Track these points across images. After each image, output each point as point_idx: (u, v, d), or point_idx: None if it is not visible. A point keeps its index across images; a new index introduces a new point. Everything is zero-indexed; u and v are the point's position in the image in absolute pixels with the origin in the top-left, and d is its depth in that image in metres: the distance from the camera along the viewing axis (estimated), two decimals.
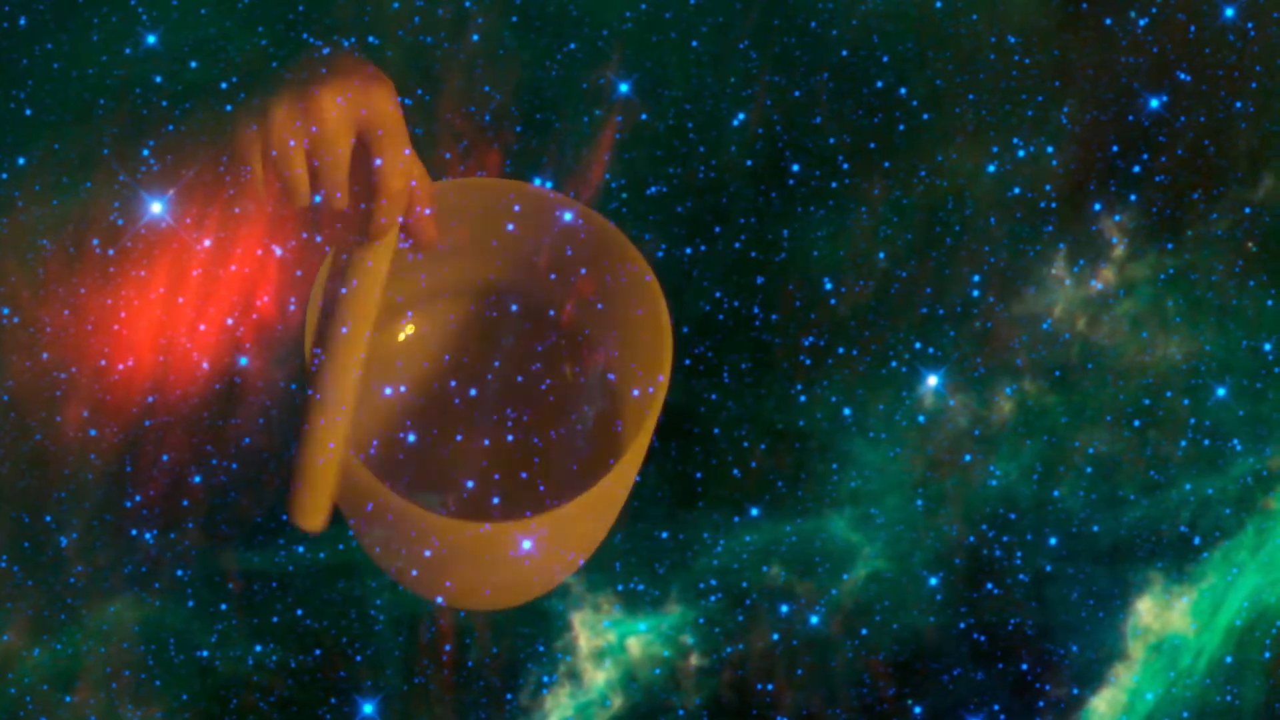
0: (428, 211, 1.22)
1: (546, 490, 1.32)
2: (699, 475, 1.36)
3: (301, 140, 1.18)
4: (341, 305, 1.24)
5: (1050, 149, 1.35)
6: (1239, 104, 1.35)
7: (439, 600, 1.25)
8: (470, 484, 1.32)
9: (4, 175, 1.24)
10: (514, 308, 1.33)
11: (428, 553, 1.20)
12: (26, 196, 1.24)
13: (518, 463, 1.33)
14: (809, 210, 1.36)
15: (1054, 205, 1.36)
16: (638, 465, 1.25)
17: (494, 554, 1.22)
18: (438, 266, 1.31)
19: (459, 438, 1.33)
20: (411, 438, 1.33)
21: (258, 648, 1.34)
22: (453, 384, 1.34)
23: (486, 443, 1.33)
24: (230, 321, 1.26)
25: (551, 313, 1.32)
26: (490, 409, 1.34)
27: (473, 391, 1.34)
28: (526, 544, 1.24)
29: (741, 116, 1.35)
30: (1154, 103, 1.35)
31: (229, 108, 1.22)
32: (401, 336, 1.34)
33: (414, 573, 1.23)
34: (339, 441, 1.23)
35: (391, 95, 1.20)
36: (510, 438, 1.33)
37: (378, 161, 1.19)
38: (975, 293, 1.36)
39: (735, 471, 1.36)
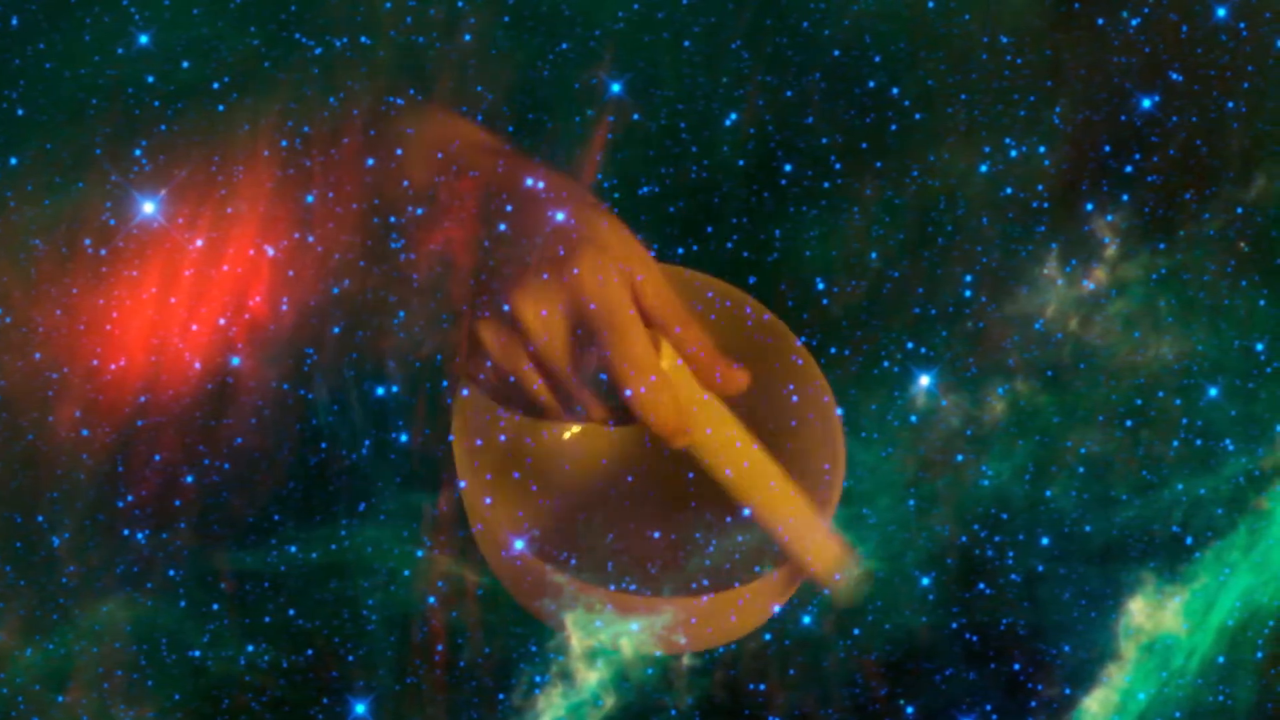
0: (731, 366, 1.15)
1: (685, 554, 1.34)
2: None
3: (522, 361, 1.11)
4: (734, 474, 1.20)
5: (1042, 149, 1.35)
6: (1231, 104, 1.35)
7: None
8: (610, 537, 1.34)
9: None
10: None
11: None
12: (19, 196, 1.24)
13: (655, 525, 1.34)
14: (801, 210, 1.36)
15: (1046, 205, 1.36)
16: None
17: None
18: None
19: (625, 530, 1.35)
20: (555, 503, 1.33)
21: (250, 648, 1.34)
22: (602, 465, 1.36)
23: (656, 535, 1.34)
24: (222, 321, 1.26)
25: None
26: (656, 502, 1.35)
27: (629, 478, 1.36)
28: (519, 544, 1.24)
29: (734, 116, 1.35)
30: (1146, 103, 1.35)
31: (221, 108, 1.22)
32: (568, 436, 1.35)
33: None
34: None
35: (597, 266, 1.10)
36: (656, 534, 1.34)
37: (607, 375, 1.11)
38: (967, 293, 1.36)
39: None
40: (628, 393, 1.12)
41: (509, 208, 1.14)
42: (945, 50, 1.35)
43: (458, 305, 1.14)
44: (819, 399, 1.28)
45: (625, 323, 1.12)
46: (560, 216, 1.11)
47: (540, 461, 1.35)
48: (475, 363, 1.15)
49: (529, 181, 1.14)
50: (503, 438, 1.22)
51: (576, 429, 1.36)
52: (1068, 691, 1.36)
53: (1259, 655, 1.36)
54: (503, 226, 1.13)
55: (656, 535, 1.34)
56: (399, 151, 1.16)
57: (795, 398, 1.29)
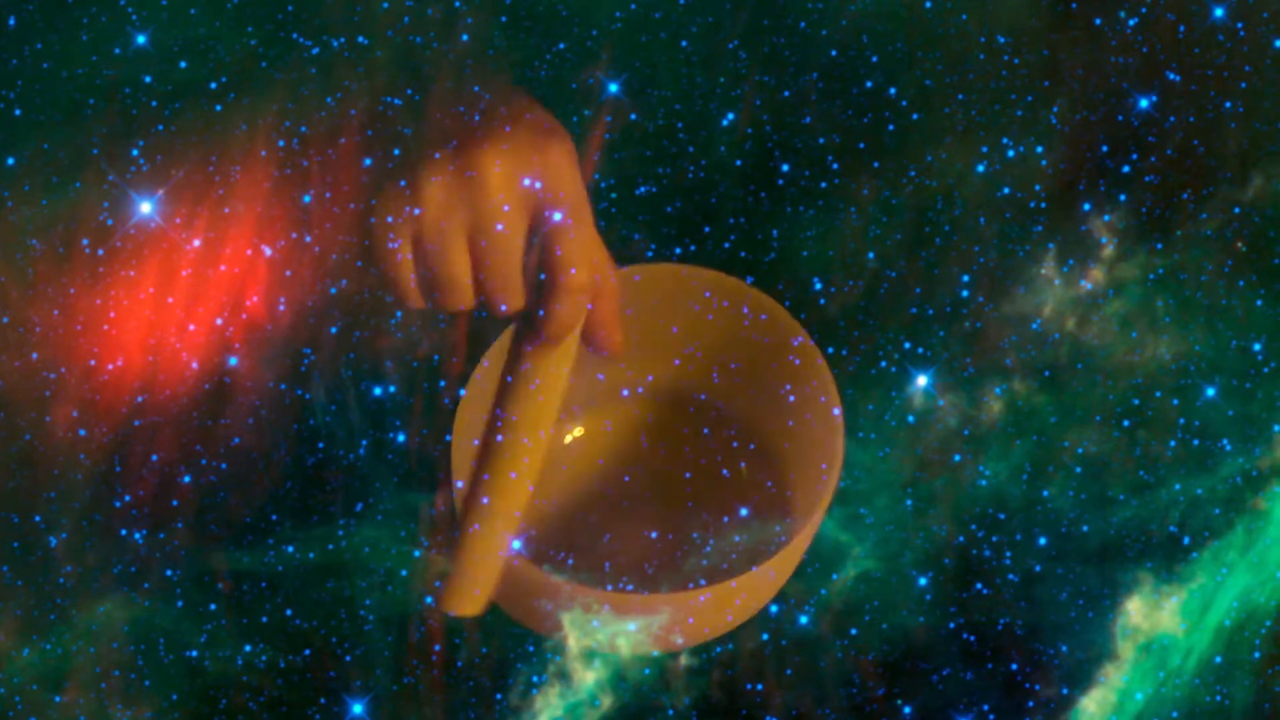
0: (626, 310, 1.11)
1: (683, 552, 1.34)
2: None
3: (461, 224, 1.05)
4: (517, 418, 1.13)
5: (1040, 149, 1.35)
6: (1228, 104, 1.35)
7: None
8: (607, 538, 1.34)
9: None
10: (661, 405, 1.35)
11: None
12: (16, 196, 1.24)
13: (651, 525, 1.34)
14: (798, 210, 1.36)
15: (1043, 205, 1.36)
16: (797, 559, 1.26)
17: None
18: (609, 367, 1.32)
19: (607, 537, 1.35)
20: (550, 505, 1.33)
21: (247, 648, 1.34)
22: (622, 479, 1.36)
23: (654, 535, 1.35)
24: (220, 322, 1.26)
25: (722, 405, 1.34)
26: (653, 502, 1.35)
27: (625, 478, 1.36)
28: (516, 544, 1.24)
29: (731, 116, 1.35)
30: (1143, 103, 1.35)
31: (218, 108, 1.22)
32: (568, 439, 1.35)
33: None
34: (503, 547, 1.16)
35: (573, 158, 1.05)
36: (671, 535, 1.35)
37: (557, 250, 1.05)
38: (964, 293, 1.36)
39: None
40: (560, 278, 1.05)
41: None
42: (942, 50, 1.35)
43: (420, 144, 1.07)
44: (816, 399, 1.28)
45: (585, 216, 1.06)
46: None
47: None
48: (412, 226, 1.06)
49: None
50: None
51: (579, 431, 1.36)
52: (1065, 691, 1.36)
53: (1256, 655, 1.36)
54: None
55: (654, 535, 1.34)
56: None
57: (792, 398, 1.29)
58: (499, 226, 1.05)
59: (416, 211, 1.06)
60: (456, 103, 1.07)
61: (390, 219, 1.07)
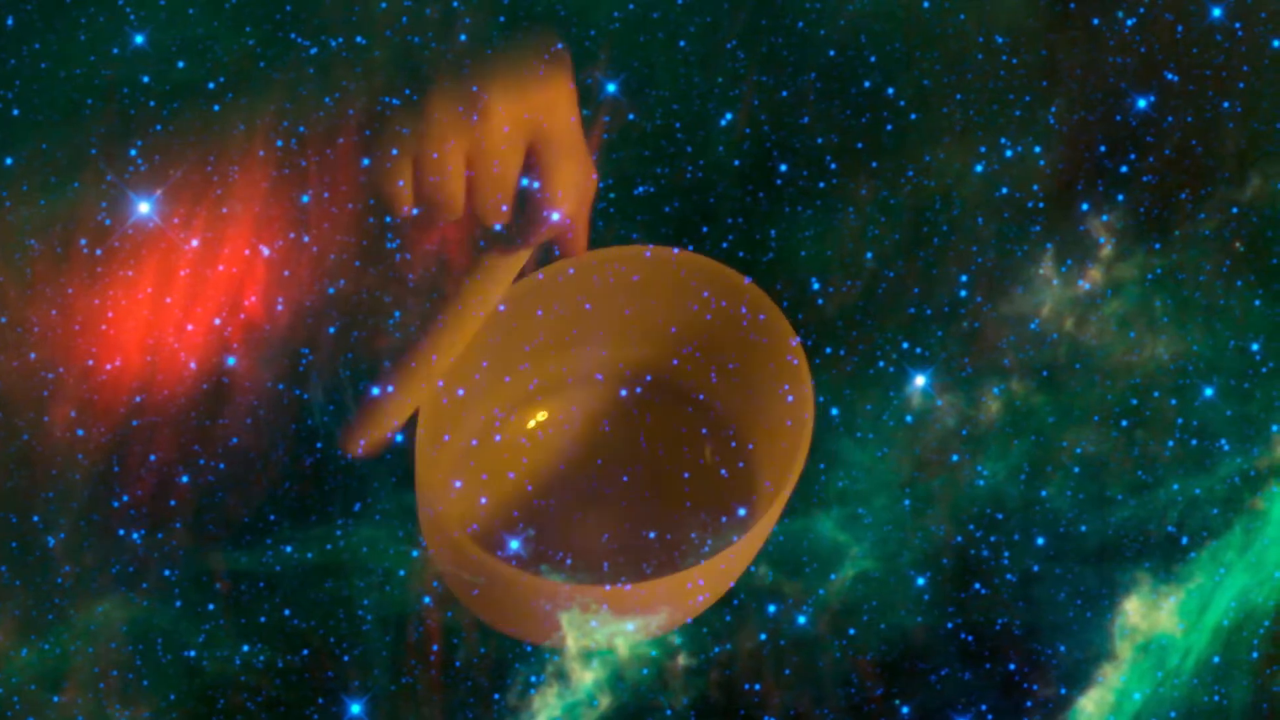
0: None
1: (671, 556, 1.34)
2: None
3: (462, 145, 1.12)
4: (458, 298, 1.22)
5: (1038, 149, 1.35)
6: (1226, 104, 1.35)
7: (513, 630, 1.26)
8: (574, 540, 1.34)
9: None
10: (625, 387, 1.35)
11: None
12: (14, 196, 1.24)
13: (619, 514, 1.34)
14: (796, 210, 1.36)
15: (1041, 205, 1.36)
16: (757, 547, 1.26)
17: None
18: (581, 350, 1.32)
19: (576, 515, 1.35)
20: (475, 484, 1.33)
21: (245, 648, 1.34)
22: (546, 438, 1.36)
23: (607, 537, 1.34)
24: (218, 322, 1.26)
25: (701, 396, 1.34)
26: (617, 489, 1.35)
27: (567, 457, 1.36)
28: (514, 544, 1.24)
29: (729, 116, 1.35)
30: (1141, 103, 1.35)
31: (216, 108, 1.22)
32: (532, 423, 1.35)
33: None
34: (401, 414, 1.22)
35: (573, 101, 1.14)
36: (628, 524, 1.34)
37: (549, 186, 1.14)
38: (963, 293, 1.36)
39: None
40: (555, 215, 1.14)
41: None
42: (941, 50, 1.35)
43: (424, 75, 1.14)
44: (786, 389, 1.27)
45: (579, 150, 1.14)
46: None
47: (500, 455, 1.35)
48: (415, 139, 1.14)
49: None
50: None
51: (543, 416, 1.36)
52: (1063, 691, 1.36)
53: (1254, 655, 1.36)
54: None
55: (620, 525, 1.34)
56: None
57: (791, 398, 1.29)
58: (501, 147, 1.12)
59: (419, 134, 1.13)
60: (469, 47, 1.15)
61: (399, 129, 1.13)
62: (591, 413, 1.36)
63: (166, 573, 1.33)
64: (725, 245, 1.36)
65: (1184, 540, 1.36)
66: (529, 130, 1.14)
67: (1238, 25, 1.34)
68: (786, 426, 1.26)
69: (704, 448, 1.35)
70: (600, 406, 1.36)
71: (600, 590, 1.21)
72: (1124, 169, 1.36)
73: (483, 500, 1.33)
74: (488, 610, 1.27)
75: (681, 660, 1.35)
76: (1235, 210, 1.36)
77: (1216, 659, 1.36)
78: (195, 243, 1.23)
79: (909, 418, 1.36)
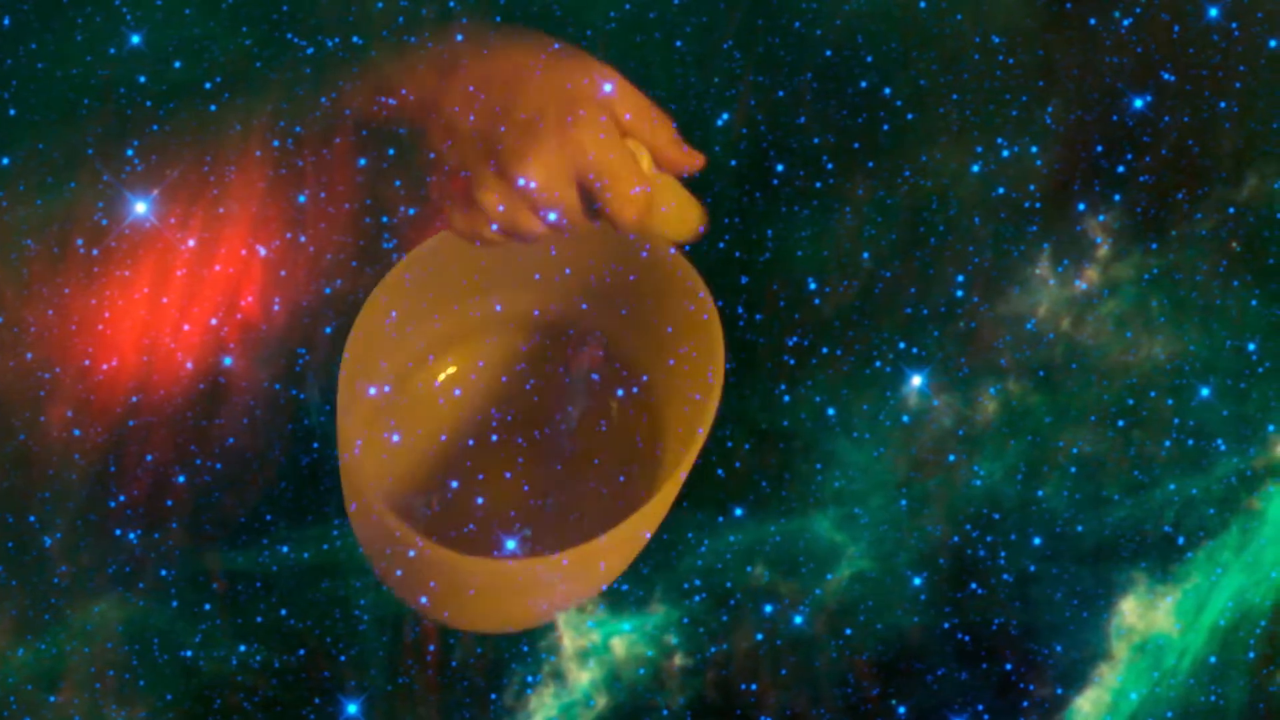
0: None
1: (553, 505, 1.32)
2: (682, 475, 1.36)
3: (570, 176, 1.17)
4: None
5: (1034, 149, 1.35)
6: (1223, 104, 1.35)
7: (422, 600, 1.25)
8: (454, 484, 1.32)
9: None
10: (536, 337, 1.34)
11: (411, 552, 1.20)
12: (11, 196, 1.24)
13: (521, 476, 1.33)
14: (793, 210, 1.36)
15: (1038, 205, 1.36)
16: (668, 505, 1.25)
17: (479, 574, 1.21)
18: (486, 299, 1.31)
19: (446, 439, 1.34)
20: (396, 438, 1.32)
21: (242, 648, 1.34)
22: (457, 393, 1.35)
23: (508, 475, 1.33)
24: (214, 322, 1.26)
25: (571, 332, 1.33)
26: (500, 425, 1.34)
27: (456, 391, 1.35)
28: (511, 544, 1.24)
29: (725, 116, 1.35)
30: (1138, 103, 1.35)
31: (213, 108, 1.22)
32: (442, 376, 1.34)
33: (398, 573, 1.23)
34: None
35: (627, 87, 1.18)
36: (494, 437, 1.33)
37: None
38: (959, 293, 1.36)
39: (719, 471, 1.36)
40: (630, 219, 1.17)
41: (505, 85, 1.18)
42: (937, 50, 1.35)
43: (457, 172, 1.17)
44: (699, 349, 1.27)
45: (621, 166, 1.17)
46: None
47: (410, 410, 1.34)
48: (474, 219, 1.18)
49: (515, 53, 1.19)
50: (372, 390, 1.23)
51: (453, 369, 1.34)
52: (1060, 691, 1.36)
53: (1250, 655, 1.36)
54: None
55: (525, 489, 1.33)
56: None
57: (695, 353, 1.27)
58: (557, 204, 1.16)
59: (531, 185, 1.16)
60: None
61: (499, 207, 1.17)
62: (500, 367, 1.35)
63: (163, 573, 1.33)
64: (722, 245, 1.36)
65: (1180, 540, 1.36)
66: (573, 169, 1.17)
67: (1234, 25, 1.34)
68: (695, 387, 1.26)
69: (611, 404, 1.34)
70: (509, 360, 1.35)
71: (494, 564, 1.20)
72: (1121, 169, 1.36)
73: (383, 457, 1.32)
74: (392, 579, 1.26)
75: (678, 660, 1.35)
76: (1232, 210, 1.36)
77: (1213, 659, 1.36)
78: (192, 243, 1.23)
79: (905, 418, 1.36)
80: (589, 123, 1.16)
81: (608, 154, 1.16)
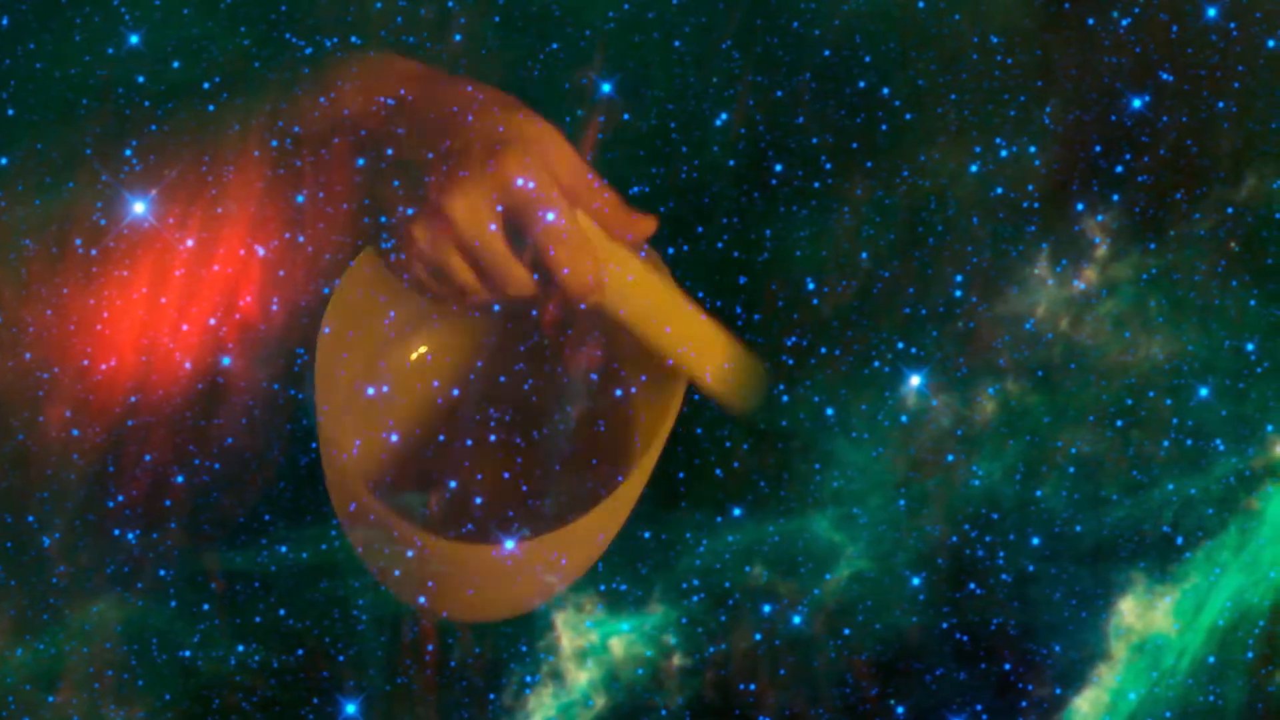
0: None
1: (530, 491, 1.32)
2: (681, 475, 1.36)
3: (449, 246, 1.17)
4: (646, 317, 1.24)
5: (1033, 149, 1.35)
6: (1222, 104, 1.35)
7: (420, 600, 1.25)
8: (453, 484, 1.32)
9: None
10: (496, 308, 1.33)
11: (409, 553, 1.20)
12: (9, 196, 1.24)
13: (500, 463, 1.33)
14: (791, 210, 1.36)
15: (1037, 205, 1.36)
16: (644, 481, 1.25)
17: (475, 562, 1.21)
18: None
19: (441, 439, 1.33)
20: (394, 438, 1.33)
21: (240, 648, 1.34)
22: (435, 385, 1.34)
23: (469, 443, 1.33)
24: (213, 322, 1.26)
25: (534, 313, 1.33)
26: (473, 410, 1.34)
27: (455, 391, 1.34)
28: (509, 544, 1.24)
29: (724, 116, 1.35)
30: (1136, 103, 1.35)
31: (211, 108, 1.22)
32: (414, 356, 1.34)
33: (396, 573, 1.23)
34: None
35: (574, 153, 1.18)
36: (492, 438, 1.33)
37: (550, 251, 1.17)
38: (958, 293, 1.36)
39: (718, 471, 1.36)
40: (564, 271, 1.17)
41: (432, 115, 1.19)
42: (936, 50, 1.35)
43: (390, 209, 1.18)
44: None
45: (553, 206, 1.17)
46: (500, 128, 1.17)
47: (409, 411, 1.34)
48: (408, 258, 1.18)
49: (452, 93, 1.20)
50: (370, 390, 1.23)
51: (424, 349, 1.34)
52: (1058, 691, 1.36)
53: (1249, 655, 1.36)
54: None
55: (501, 475, 1.33)
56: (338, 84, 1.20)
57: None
58: (480, 238, 1.17)
59: (457, 212, 1.18)
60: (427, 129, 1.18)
61: (394, 258, 1.19)
62: (498, 367, 1.35)
63: (161, 573, 1.33)
64: (720, 245, 1.36)
65: (1179, 540, 1.36)
66: (498, 206, 1.17)
67: (1233, 25, 1.34)
68: (661, 377, 1.26)
69: (610, 404, 1.34)
70: (508, 360, 1.34)
71: (460, 548, 1.20)
72: (1119, 169, 1.36)
73: (381, 457, 1.32)
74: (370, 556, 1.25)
75: (676, 660, 1.35)
76: (1230, 210, 1.36)
77: (1211, 659, 1.36)
78: (190, 243, 1.23)
79: (904, 418, 1.36)
80: (516, 158, 1.16)
81: (533, 188, 1.17)
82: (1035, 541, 1.36)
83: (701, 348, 1.27)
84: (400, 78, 1.20)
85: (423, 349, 1.34)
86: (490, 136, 1.17)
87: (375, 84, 1.20)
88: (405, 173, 1.18)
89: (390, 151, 1.18)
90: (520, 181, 1.16)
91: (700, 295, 1.31)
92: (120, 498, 1.30)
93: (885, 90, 1.35)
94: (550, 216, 1.16)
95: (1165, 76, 1.35)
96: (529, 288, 1.19)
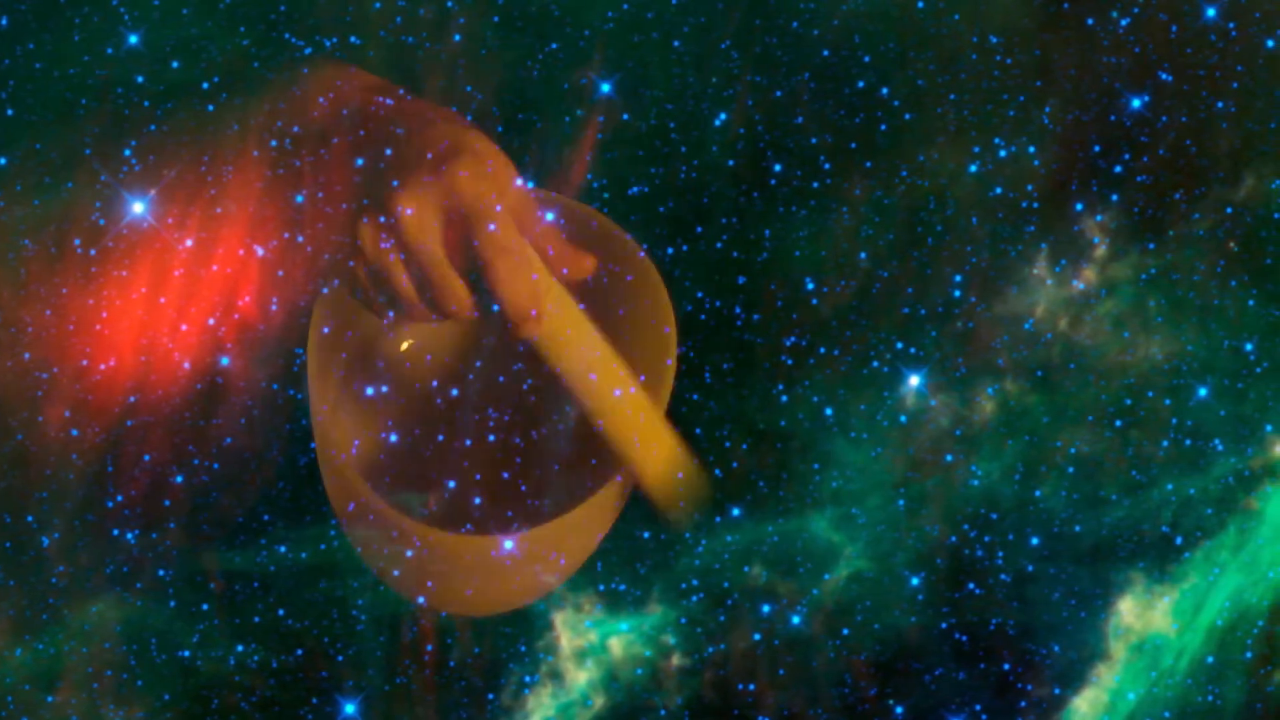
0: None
1: (528, 490, 1.32)
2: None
3: (396, 259, 1.17)
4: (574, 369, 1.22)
5: (1032, 149, 1.35)
6: (1220, 104, 1.35)
7: (420, 600, 1.25)
8: (452, 484, 1.32)
9: None
10: (495, 308, 1.33)
11: (409, 553, 1.20)
12: (8, 196, 1.24)
13: (499, 463, 1.33)
14: (790, 210, 1.36)
15: (1036, 205, 1.36)
16: (611, 513, 1.25)
17: (474, 557, 1.21)
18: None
19: (440, 438, 1.33)
20: (393, 438, 1.33)
21: (239, 648, 1.34)
22: (434, 385, 1.34)
23: (468, 443, 1.33)
24: (212, 321, 1.26)
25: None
26: (470, 409, 1.34)
27: (454, 392, 1.34)
28: (508, 544, 1.24)
29: (723, 116, 1.35)
30: (1135, 103, 1.35)
31: (210, 108, 1.22)
32: (404, 346, 1.34)
33: (395, 573, 1.23)
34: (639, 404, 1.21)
35: (522, 184, 1.17)
36: (491, 437, 1.33)
37: (492, 272, 1.16)
38: (957, 293, 1.36)
39: (717, 471, 1.36)
40: (503, 288, 1.16)
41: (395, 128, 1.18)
42: (935, 50, 1.35)
43: (338, 209, 1.18)
44: (652, 330, 1.26)
45: (497, 219, 1.16)
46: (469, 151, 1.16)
47: (408, 411, 1.33)
48: (353, 265, 1.18)
49: (409, 106, 1.19)
50: (370, 390, 1.23)
51: (411, 340, 1.34)
52: (1057, 691, 1.36)
53: (1248, 655, 1.36)
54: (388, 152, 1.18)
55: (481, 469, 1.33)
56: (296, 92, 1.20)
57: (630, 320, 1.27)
58: (423, 244, 1.16)
59: (403, 213, 1.17)
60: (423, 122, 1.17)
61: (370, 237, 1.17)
62: (497, 367, 1.34)
63: (161, 573, 1.33)
64: (719, 245, 1.36)
65: (1178, 540, 1.36)
66: (443, 216, 1.16)
67: (1232, 25, 1.34)
68: (658, 377, 1.25)
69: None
70: (507, 360, 1.34)
71: (448, 539, 1.20)
72: (1118, 169, 1.36)
73: (380, 457, 1.32)
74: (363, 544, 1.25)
75: (675, 660, 1.35)
76: (1229, 210, 1.36)
77: (1210, 659, 1.36)
78: (189, 243, 1.23)
79: (903, 418, 1.36)
80: (466, 166, 1.16)
81: (481, 201, 1.16)
82: (1034, 541, 1.36)
83: (646, 438, 1.25)
84: (360, 88, 1.20)
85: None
86: (442, 146, 1.16)
87: (335, 92, 1.20)
88: (358, 177, 1.18)
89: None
90: (468, 189, 1.15)
91: (700, 295, 1.31)
92: (119, 498, 1.30)
93: (884, 90, 1.35)
94: (493, 227, 1.15)
95: (1164, 76, 1.35)
96: (466, 307, 1.18)
